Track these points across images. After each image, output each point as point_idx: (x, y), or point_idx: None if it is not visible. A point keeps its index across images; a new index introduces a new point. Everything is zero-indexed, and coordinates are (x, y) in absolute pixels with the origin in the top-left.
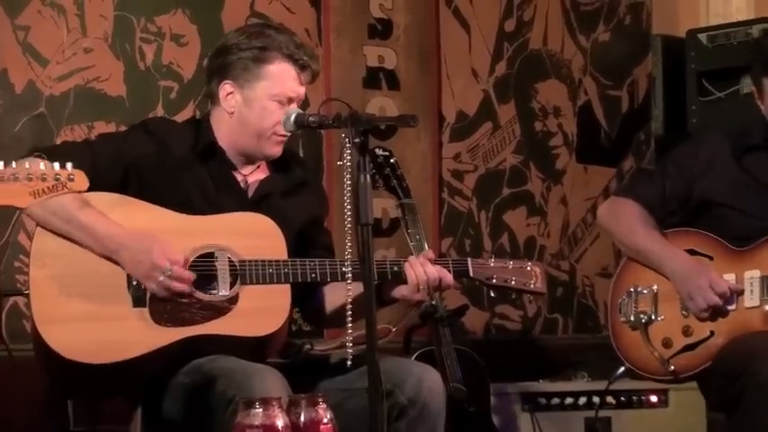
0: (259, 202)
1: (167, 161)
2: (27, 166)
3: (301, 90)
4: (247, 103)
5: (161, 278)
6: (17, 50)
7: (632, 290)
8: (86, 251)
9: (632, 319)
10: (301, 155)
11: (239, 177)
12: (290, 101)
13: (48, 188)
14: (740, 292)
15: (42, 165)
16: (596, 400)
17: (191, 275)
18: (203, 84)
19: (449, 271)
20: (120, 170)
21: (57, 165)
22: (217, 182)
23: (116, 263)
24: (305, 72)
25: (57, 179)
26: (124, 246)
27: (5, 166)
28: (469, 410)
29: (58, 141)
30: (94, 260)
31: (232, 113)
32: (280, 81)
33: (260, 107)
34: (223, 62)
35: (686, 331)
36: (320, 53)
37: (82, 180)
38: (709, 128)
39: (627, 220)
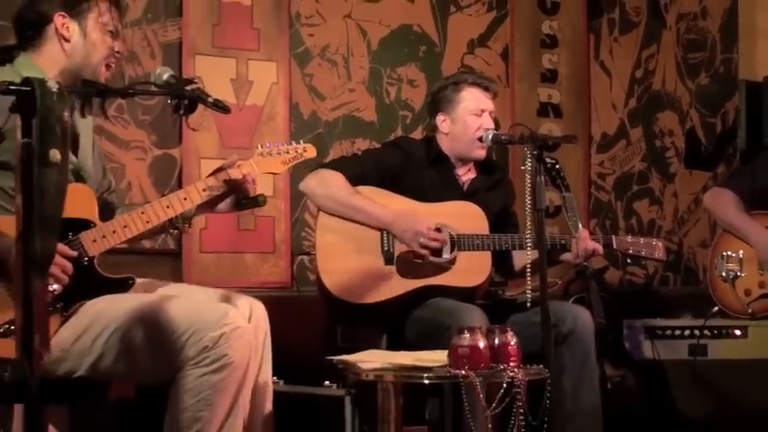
0: (471, 194)
1: (411, 166)
2: (277, 145)
3: (489, 103)
4: (455, 123)
5: (421, 239)
6: (305, 90)
7: (725, 254)
8: (352, 224)
9: (724, 274)
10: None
11: (457, 177)
12: (483, 111)
13: (291, 158)
14: None
15: (284, 142)
16: (696, 332)
17: (443, 237)
18: (427, 114)
19: (599, 244)
20: (379, 174)
21: (293, 141)
22: (443, 180)
23: (381, 231)
24: (487, 91)
25: (296, 152)
26: (395, 221)
27: (262, 146)
28: (609, 338)
29: (331, 153)
30: (358, 231)
31: (447, 134)
32: (472, 100)
33: (462, 122)
34: (434, 102)
35: (762, 284)
36: (508, 93)
37: (312, 151)
38: None
39: (724, 204)
